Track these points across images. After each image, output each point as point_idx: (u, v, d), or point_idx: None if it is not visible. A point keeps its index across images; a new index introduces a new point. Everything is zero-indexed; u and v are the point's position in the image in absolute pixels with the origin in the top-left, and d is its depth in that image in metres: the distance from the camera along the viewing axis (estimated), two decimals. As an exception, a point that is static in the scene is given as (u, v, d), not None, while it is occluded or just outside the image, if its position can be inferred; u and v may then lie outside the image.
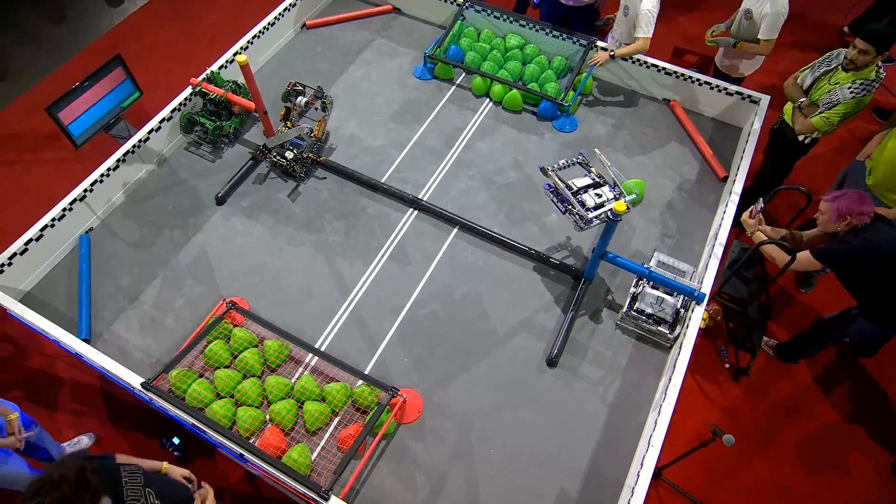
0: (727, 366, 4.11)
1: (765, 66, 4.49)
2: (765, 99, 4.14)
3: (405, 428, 3.10)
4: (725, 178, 4.05)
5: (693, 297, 3.23)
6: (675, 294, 3.37)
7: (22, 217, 4.83)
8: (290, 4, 4.80)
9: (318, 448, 3.00)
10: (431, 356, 3.34)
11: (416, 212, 3.92)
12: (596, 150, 3.32)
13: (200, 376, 3.15)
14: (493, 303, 3.54)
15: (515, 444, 3.06)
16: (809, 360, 4.14)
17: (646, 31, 4.08)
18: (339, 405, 3.07)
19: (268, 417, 3.06)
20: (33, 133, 5.35)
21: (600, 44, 4.48)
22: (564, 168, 3.33)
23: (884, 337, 3.80)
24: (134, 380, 2.96)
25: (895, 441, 3.85)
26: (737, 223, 3.62)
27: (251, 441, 2.96)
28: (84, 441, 3.67)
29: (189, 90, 4.11)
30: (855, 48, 3.48)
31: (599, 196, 3.14)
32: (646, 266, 3.32)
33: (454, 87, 4.64)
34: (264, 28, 4.62)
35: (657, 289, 3.39)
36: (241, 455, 2.79)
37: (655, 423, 2.91)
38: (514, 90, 4.39)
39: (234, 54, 4.41)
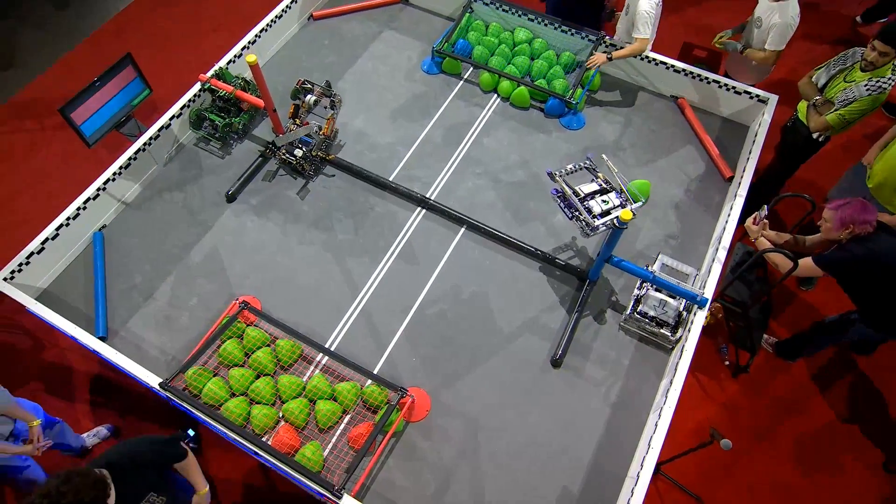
0: (727, 363, 4.20)
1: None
2: (773, 99, 4.14)
3: (413, 426, 3.21)
4: (731, 179, 4.07)
5: (696, 301, 3.30)
6: (678, 297, 3.44)
7: (33, 205, 4.94)
8: (298, -6, 4.78)
9: (330, 445, 3.11)
10: (439, 355, 3.43)
11: (424, 211, 3.97)
12: (603, 156, 3.35)
13: (215, 374, 3.25)
14: (499, 303, 3.61)
15: (520, 443, 3.17)
16: (807, 357, 4.23)
17: (643, 32, 4.05)
18: (350, 404, 3.18)
19: (281, 415, 3.17)
20: (42, 122, 5.39)
21: (610, 40, 4.45)
22: (572, 173, 3.37)
23: (882, 338, 3.87)
24: (152, 379, 3.06)
25: (888, 439, 3.96)
26: (743, 220, 3.66)
27: (265, 438, 3.07)
28: (103, 432, 3.81)
29: (198, 86, 4.13)
30: (875, 50, 3.47)
31: (606, 203, 3.18)
32: (649, 269, 3.38)
33: (462, 82, 4.64)
34: (272, 21, 4.60)
35: (660, 291, 3.46)
36: (256, 452, 2.91)
37: (656, 425, 3.00)
38: (522, 86, 4.39)
39: (243, 48, 4.41)
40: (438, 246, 3.83)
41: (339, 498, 2.74)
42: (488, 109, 4.48)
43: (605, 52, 4.30)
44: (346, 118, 4.39)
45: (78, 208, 3.63)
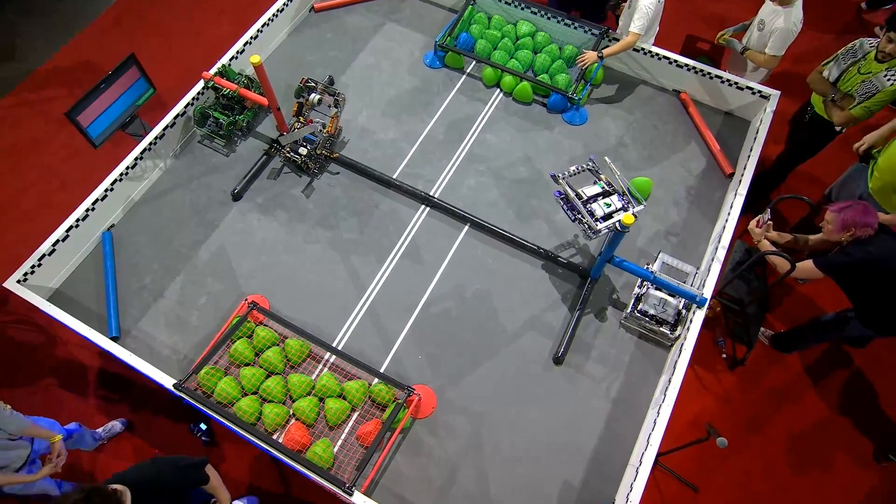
0: (724, 355, 4.30)
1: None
2: (775, 94, 4.15)
3: (420, 422, 3.31)
4: (732, 175, 4.11)
5: (695, 301, 3.37)
6: (678, 296, 3.51)
7: (38, 199, 4.97)
8: (299, -14, 4.74)
9: (340, 442, 3.22)
10: (444, 353, 3.51)
11: (427, 209, 4.02)
12: (606, 158, 3.38)
13: (226, 373, 3.34)
14: (502, 301, 3.69)
15: (523, 438, 3.28)
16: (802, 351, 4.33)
17: (637, 25, 4.04)
18: (358, 402, 3.28)
19: (291, 413, 3.27)
20: (45, 113, 5.38)
21: (613, 34, 4.44)
22: (575, 175, 3.40)
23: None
24: (166, 380, 3.15)
25: (879, 430, 4.08)
26: (743, 214, 3.70)
27: (277, 436, 3.18)
28: (117, 427, 3.91)
29: (201, 84, 4.13)
30: (892, 42, 3.47)
31: (608, 206, 3.23)
32: (650, 269, 3.44)
33: (464, 77, 4.63)
34: (273, 15, 4.57)
35: (660, 290, 3.53)
36: (269, 450, 3.02)
37: (655, 422, 3.10)
38: (525, 82, 4.39)
39: (245, 44, 4.39)
40: (442, 244, 3.88)
41: (351, 494, 2.85)
42: (491, 105, 4.48)
43: (606, 46, 4.29)
44: (350, 114, 4.40)
45: (87, 209, 3.68)
